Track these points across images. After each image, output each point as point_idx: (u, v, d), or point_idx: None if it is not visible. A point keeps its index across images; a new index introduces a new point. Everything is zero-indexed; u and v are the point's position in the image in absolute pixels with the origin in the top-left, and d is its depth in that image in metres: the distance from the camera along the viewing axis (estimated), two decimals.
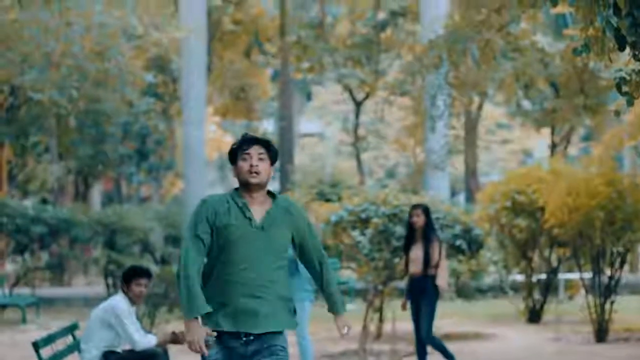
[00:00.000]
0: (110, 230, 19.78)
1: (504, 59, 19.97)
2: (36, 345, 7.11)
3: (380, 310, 13.16)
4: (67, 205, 24.09)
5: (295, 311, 4.98)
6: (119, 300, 7.62)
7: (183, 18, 24.49)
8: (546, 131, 27.47)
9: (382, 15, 31.19)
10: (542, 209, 13.94)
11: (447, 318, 15.06)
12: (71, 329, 8.12)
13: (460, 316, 16.35)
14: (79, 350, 7.68)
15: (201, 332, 4.71)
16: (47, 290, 21.26)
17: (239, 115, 34.85)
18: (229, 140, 41.59)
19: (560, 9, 16.37)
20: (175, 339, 7.55)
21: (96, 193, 32.30)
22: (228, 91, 32.38)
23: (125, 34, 21.92)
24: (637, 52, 6.37)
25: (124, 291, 7.65)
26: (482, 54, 15.62)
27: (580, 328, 13.98)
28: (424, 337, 9.72)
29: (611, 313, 13.06)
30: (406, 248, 9.94)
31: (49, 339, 7.49)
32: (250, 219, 4.81)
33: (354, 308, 15.72)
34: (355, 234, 12.07)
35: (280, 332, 4.87)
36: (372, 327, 12.62)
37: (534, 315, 15.44)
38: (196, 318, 4.72)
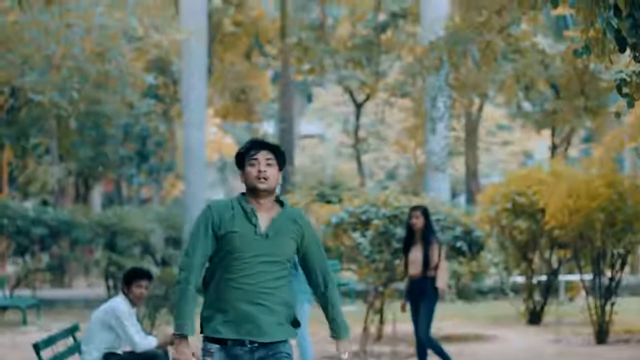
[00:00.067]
0: (111, 231, 19.78)
1: (505, 60, 19.96)
2: (37, 347, 7.12)
3: (380, 311, 13.16)
4: (68, 207, 24.09)
5: (296, 320, 4.91)
6: (120, 302, 7.62)
7: (183, 20, 24.49)
8: (547, 133, 27.46)
9: (382, 17, 31.21)
10: (543, 211, 13.94)
11: (447, 320, 15.06)
12: (72, 330, 8.12)
13: (461, 318, 16.35)
14: (80, 352, 7.68)
15: (187, 352, 4.67)
16: (47, 292, 21.25)
17: (240, 117, 34.86)
18: (229, 142, 41.66)
19: (561, 10, 16.39)
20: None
21: (97, 195, 32.30)
22: (228, 93, 32.38)
23: (125, 36, 21.92)
24: (637, 54, 6.37)
25: (124, 293, 7.64)
26: (483, 55, 15.63)
27: (580, 330, 13.98)
28: (421, 339, 9.71)
29: (612, 315, 13.06)
30: (405, 250, 9.94)
31: (50, 341, 7.49)
32: (255, 226, 4.73)
33: (355, 310, 15.72)
34: (356, 235, 12.08)
35: (286, 340, 4.82)
36: (373, 329, 12.62)
37: (535, 317, 15.44)
38: (185, 337, 4.68)
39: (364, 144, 38.27)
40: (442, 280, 9.65)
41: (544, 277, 15.46)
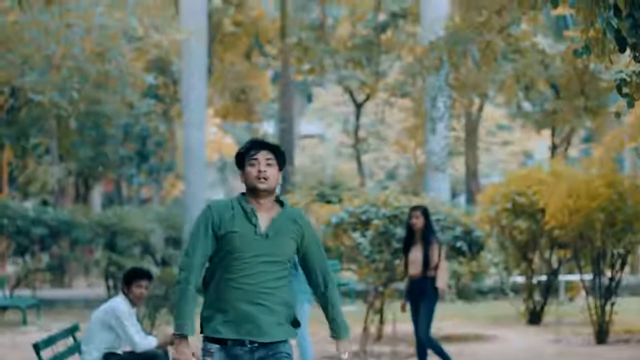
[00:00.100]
0: (111, 231, 19.79)
1: (505, 60, 19.96)
2: (37, 347, 7.12)
3: (380, 311, 13.16)
4: (68, 207, 24.09)
5: (296, 320, 4.91)
6: (120, 302, 7.62)
7: (183, 20, 24.49)
8: (547, 133, 27.46)
9: (382, 17, 31.21)
10: (543, 211, 13.94)
11: (447, 320, 15.06)
12: (72, 330, 8.12)
13: (461, 318, 16.35)
14: (80, 352, 7.68)
15: (187, 352, 4.67)
16: (47, 292, 21.25)
17: (240, 117, 34.86)
18: (229, 142, 41.67)
19: (561, 10, 16.39)
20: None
21: (97, 195, 32.30)
22: (228, 93, 32.38)
23: (125, 36, 21.92)
24: (637, 54, 6.37)
25: (124, 293, 7.64)
26: (483, 55, 15.63)
27: (580, 330, 13.98)
28: (421, 339, 9.71)
29: (611, 315, 13.06)
30: (405, 250, 9.94)
31: (50, 341, 7.49)
32: (255, 226, 4.73)
33: (355, 310, 15.72)
34: (356, 235, 12.08)
35: (286, 340, 4.82)
36: (373, 329, 12.62)
37: (535, 317, 15.43)
38: (185, 337, 4.68)
39: (364, 144, 38.27)
40: (442, 280, 9.65)
41: (544, 277, 15.46)
